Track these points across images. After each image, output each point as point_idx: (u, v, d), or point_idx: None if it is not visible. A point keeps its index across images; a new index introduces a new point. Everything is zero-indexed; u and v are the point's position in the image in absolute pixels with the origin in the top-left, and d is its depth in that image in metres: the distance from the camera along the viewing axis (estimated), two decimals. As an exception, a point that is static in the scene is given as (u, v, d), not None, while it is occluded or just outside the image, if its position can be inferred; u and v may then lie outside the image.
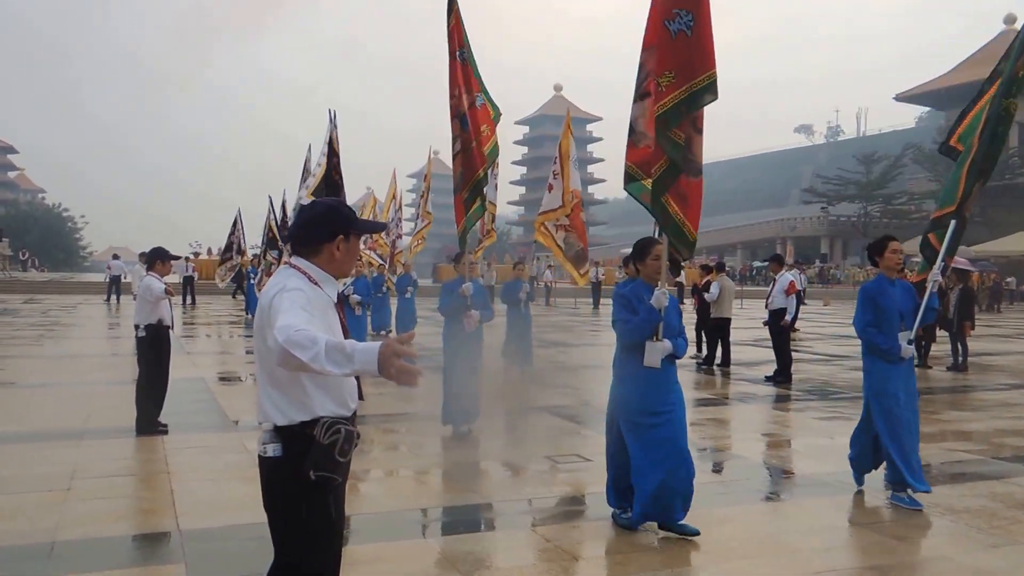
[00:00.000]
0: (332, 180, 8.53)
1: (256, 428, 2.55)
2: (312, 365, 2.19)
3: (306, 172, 11.80)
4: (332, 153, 8.81)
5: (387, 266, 15.34)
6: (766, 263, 41.63)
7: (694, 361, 12.57)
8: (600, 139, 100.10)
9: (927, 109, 75.48)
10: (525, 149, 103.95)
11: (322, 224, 2.60)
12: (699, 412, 8.78)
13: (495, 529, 4.78)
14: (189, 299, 25.54)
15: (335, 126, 8.99)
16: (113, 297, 26.29)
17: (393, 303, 15.56)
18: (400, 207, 16.89)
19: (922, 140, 58.90)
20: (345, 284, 9.83)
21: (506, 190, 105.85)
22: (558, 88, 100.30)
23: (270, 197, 18.40)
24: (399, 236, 14.83)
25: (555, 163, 10.15)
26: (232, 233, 22.46)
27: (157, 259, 7.20)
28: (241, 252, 22.60)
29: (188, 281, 26.29)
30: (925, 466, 6.40)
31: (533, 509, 5.08)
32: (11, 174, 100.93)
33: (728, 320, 12.18)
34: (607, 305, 29.31)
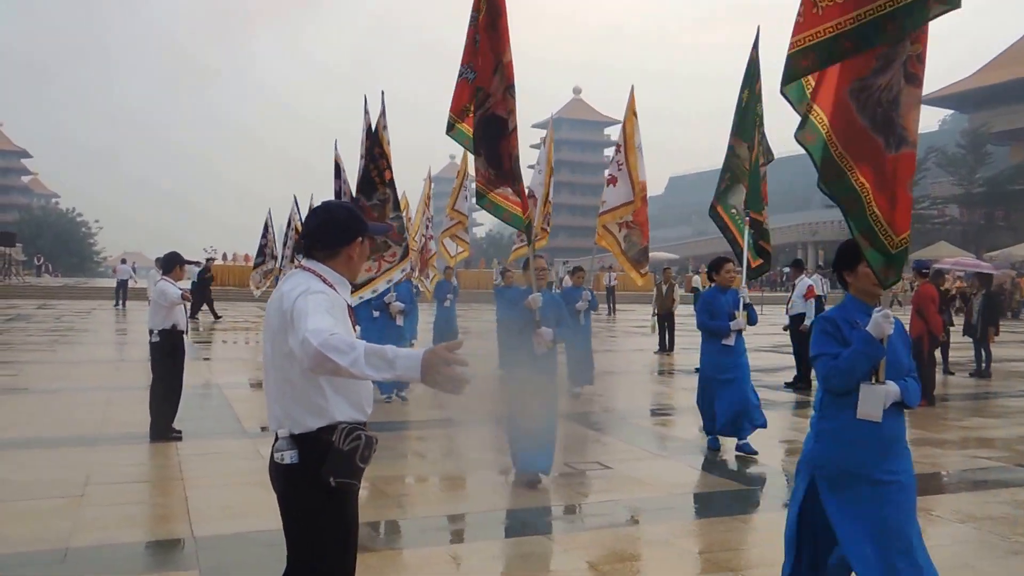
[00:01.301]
0: (370, 177, 7.99)
1: (267, 433, 2.51)
2: (351, 370, 2.16)
3: (339, 168, 11.52)
4: (376, 143, 8.12)
5: (417, 272, 15.06)
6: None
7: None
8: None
9: (950, 112, 74.82)
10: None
11: (344, 227, 2.58)
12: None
13: (515, 537, 4.73)
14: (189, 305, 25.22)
15: (383, 112, 8.30)
16: (121, 302, 26.44)
17: (423, 309, 14.79)
18: (429, 208, 16.37)
19: (945, 143, 58.33)
20: (372, 291, 9.40)
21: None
22: (577, 91, 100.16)
23: (295, 197, 17.93)
24: (430, 238, 14.28)
25: (618, 152, 8.70)
26: (264, 236, 21.09)
27: (173, 264, 7.19)
28: (274, 257, 20.93)
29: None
30: (943, 473, 6.32)
31: (553, 517, 5.03)
32: (25, 179, 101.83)
33: None
34: (623, 311, 29.38)
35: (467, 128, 5.88)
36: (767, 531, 4.78)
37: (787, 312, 11.07)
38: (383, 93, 8.56)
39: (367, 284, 7.70)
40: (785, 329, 11.37)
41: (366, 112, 9.13)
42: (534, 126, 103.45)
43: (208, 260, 25.73)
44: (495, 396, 5.75)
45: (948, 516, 5.05)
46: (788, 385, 10.67)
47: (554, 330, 5.70)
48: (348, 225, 2.59)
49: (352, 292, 8.00)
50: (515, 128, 5.70)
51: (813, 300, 10.88)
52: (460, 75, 5.92)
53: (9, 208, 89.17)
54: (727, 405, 6.64)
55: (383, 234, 7.43)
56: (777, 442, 7.53)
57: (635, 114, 8.71)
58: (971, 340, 12.75)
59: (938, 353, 10.82)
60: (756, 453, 6.59)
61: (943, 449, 7.16)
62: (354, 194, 8.91)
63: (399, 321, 9.11)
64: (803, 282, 10.98)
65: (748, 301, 6.80)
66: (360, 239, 2.60)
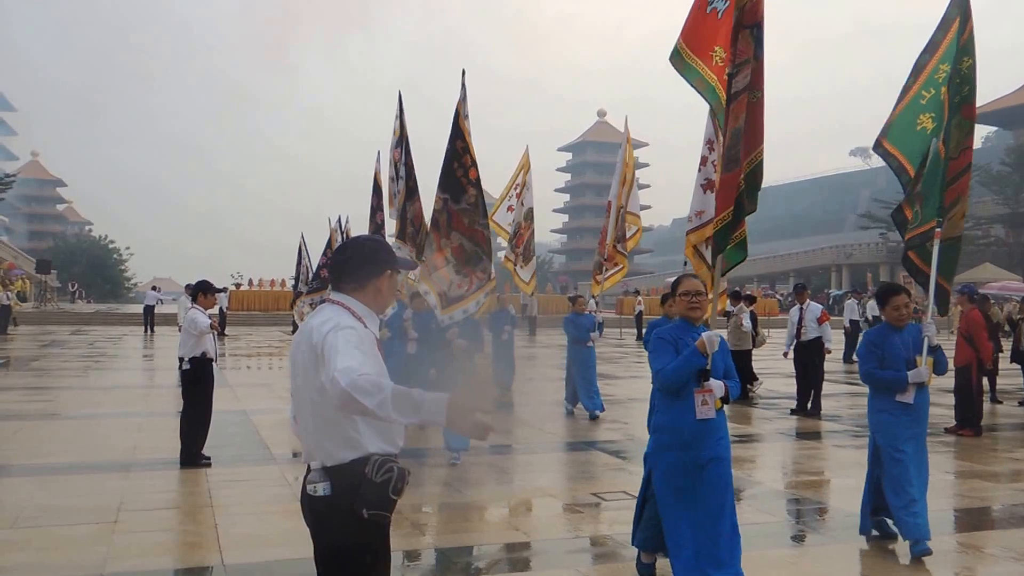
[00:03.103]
0: (455, 176, 6.90)
1: (295, 460, 2.50)
2: (377, 412, 2.17)
3: (377, 184, 10.32)
4: (458, 135, 6.90)
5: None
6: (842, 292, 39.99)
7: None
8: (646, 165, 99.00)
9: (994, 129, 73.71)
10: (568, 176, 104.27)
11: (373, 259, 2.60)
12: (742, 449, 8.50)
13: (538, 570, 4.63)
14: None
15: (463, 97, 7.09)
16: (149, 327, 26.86)
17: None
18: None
19: (989, 161, 57.39)
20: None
21: (549, 218, 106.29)
22: (601, 114, 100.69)
23: (338, 217, 16.70)
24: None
25: (711, 149, 6.75)
26: (299, 264, 19.52)
27: (201, 292, 7.27)
28: (307, 284, 18.97)
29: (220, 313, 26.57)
30: (993, 508, 6.08)
31: (580, 549, 4.92)
32: (60, 207, 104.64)
33: (745, 352, 12.31)
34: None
35: (711, 76, 4.46)
36: (795, 566, 4.63)
37: (796, 337, 10.85)
38: (464, 73, 7.06)
39: (460, 302, 6.89)
40: (785, 355, 11.32)
41: (400, 112, 8.42)
42: (560, 149, 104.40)
43: (236, 286, 25.85)
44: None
45: (999, 553, 4.84)
46: (793, 412, 10.65)
47: (728, 384, 3.95)
48: (376, 258, 2.60)
49: (443, 309, 6.87)
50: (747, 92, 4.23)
51: (828, 324, 10.85)
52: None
53: (44, 236, 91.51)
54: (896, 490, 4.79)
55: (411, 269, 7.13)
56: (797, 472, 7.36)
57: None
58: (1019, 367, 12.38)
59: (985, 381, 10.55)
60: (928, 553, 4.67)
61: (993, 482, 6.91)
62: (387, 214, 8.55)
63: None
64: (813, 306, 10.89)
65: (936, 343, 4.91)
66: (389, 272, 2.61)
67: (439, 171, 7.16)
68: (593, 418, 9.78)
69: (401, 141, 8.61)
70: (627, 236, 9.97)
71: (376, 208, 10.53)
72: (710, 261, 4.44)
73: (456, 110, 7.03)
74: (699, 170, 6.75)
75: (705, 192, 6.49)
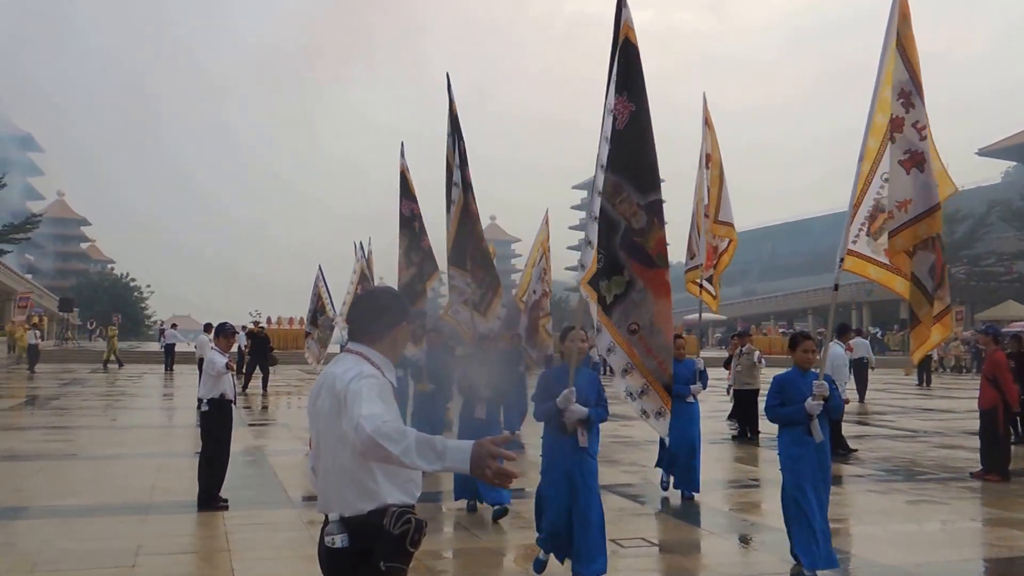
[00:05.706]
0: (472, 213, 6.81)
1: (310, 503, 2.53)
2: (402, 458, 2.21)
3: (405, 180, 9.20)
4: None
5: (524, 338, 11.48)
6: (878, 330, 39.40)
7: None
8: (663, 201, 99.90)
9: (1013, 164, 73.19)
10: (583, 214, 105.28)
11: (392, 311, 2.67)
12: (763, 492, 8.36)
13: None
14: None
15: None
16: (169, 366, 27.09)
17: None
18: (547, 258, 12.57)
19: (1009, 197, 56.62)
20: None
21: (565, 255, 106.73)
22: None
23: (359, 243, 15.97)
24: (545, 294, 11.31)
25: (903, 102, 4.81)
26: (315, 299, 17.54)
27: (221, 334, 7.41)
28: (330, 322, 17.51)
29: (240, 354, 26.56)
30: (1023, 557, 5.91)
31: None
32: (83, 245, 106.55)
33: (756, 391, 12.10)
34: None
35: None
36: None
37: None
38: (448, 76, 5.34)
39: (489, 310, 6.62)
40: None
41: (451, 100, 7.11)
42: (574, 187, 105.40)
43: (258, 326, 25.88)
44: None
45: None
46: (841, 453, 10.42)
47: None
48: (393, 310, 2.67)
49: (485, 319, 6.32)
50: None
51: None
52: None
53: (68, 274, 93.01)
54: None
55: (417, 317, 6.97)
56: (837, 520, 7.19)
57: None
58: None
59: (1012, 424, 10.35)
60: None
61: (1021, 530, 6.72)
62: (416, 217, 8.08)
63: (582, 440, 5.04)
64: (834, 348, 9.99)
65: None
66: (405, 323, 2.68)
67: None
68: (687, 496, 7.58)
69: (455, 133, 7.25)
70: (719, 251, 7.94)
71: (410, 219, 8.77)
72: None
73: (452, 113, 6.27)
74: (890, 141, 4.35)
75: (909, 171, 4.25)
